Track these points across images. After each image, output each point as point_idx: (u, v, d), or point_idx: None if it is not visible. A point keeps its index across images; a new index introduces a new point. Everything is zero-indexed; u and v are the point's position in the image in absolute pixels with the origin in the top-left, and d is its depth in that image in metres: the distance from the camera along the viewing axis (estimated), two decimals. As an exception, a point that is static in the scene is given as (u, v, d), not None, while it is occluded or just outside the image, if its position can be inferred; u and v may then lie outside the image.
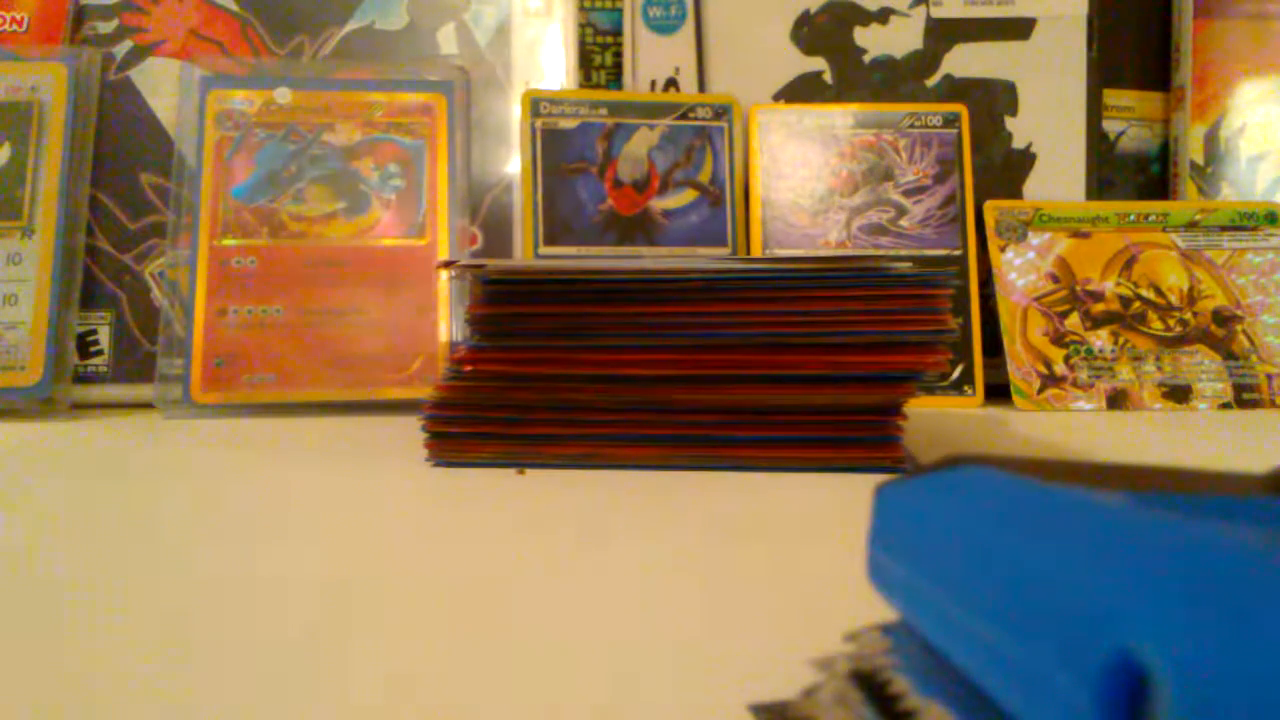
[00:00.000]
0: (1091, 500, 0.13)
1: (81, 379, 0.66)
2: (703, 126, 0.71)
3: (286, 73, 0.69)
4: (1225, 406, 0.67)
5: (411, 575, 0.27)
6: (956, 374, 0.69)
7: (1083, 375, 0.68)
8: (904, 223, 0.71)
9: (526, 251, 0.68)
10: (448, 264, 0.46)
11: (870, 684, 0.16)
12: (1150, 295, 0.70)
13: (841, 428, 0.42)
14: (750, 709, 0.17)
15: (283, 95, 0.67)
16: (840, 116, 0.72)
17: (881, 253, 0.70)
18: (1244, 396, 0.68)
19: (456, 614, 0.23)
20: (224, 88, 0.67)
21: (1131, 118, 0.80)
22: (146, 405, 0.65)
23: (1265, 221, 0.72)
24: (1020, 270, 0.70)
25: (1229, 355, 0.69)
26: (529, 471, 0.42)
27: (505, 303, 0.42)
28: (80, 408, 0.65)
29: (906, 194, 0.71)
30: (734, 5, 0.75)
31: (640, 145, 0.70)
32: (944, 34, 0.76)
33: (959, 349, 0.69)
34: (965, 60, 0.75)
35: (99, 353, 0.66)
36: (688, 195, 0.71)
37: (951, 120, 0.73)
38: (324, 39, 0.71)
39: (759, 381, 0.41)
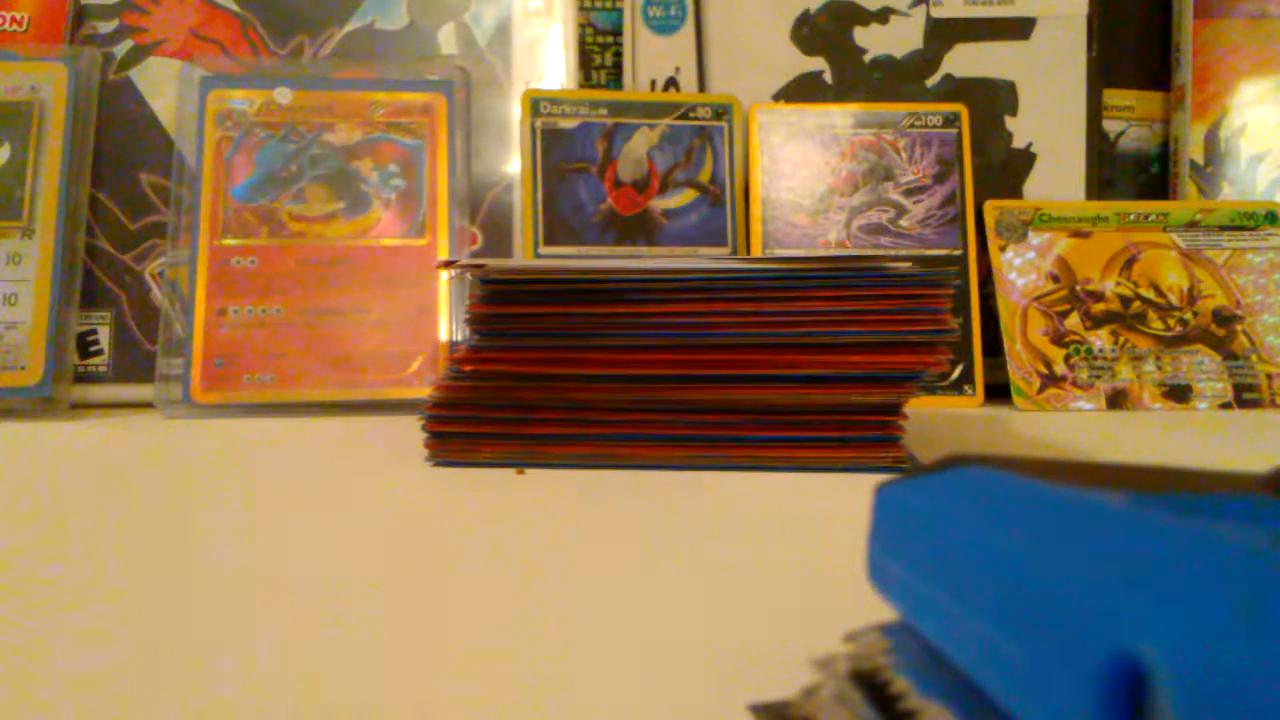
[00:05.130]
0: (1091, 500, 0.13)
1: (81, 379, 0.66)
2: (703, 126, 0.71)
3: (286, 73, 0.69)
4: (1225, 406, 0.67)
5: (412, 575, 0.27)
6: (956, 374, 0.69)
7: (1083, 375, 0.68)
8: (904, 223, 0.71)
9: (526, 251, 0.68)
10: (448, 264, 0.46)
11: (870, 684, 0.16)
12: (1150, 295, 0.70)
13: (841, 428, 0.42)
14: (750, 709, 0.17)
15: (283, 95, 0.67)
16: (840, 116, 0.72)
17: (881, 253, 0.70)
18: (1244, 396, 0.68)
19: (457, 613, 0.23)
20: (224, 88, 0.67)
21: (1131, 118, 0.80)
22: (146, 405, 0.65)
23: (1265, 221, 0.72)
24: (1020, 270, 0.70)
25: (1229, 355, 0.69)
26: (529, 471, 0.42)
27: (505, 303, 0.42)
28: (80, 408, 0.65)
29: (906, 194, 0.71)
30: (734, 5, 0.75)
31: (640, 145, 0.70)
32: (944, 34, 0.76)
33: (959, 349, 0.69)
34: (965, 60, 0.75)
35: (99, 353, 0.66)
36: (688, 195, 0.71)
37: (951, 120, 0.73)
38: (324, 39, 0.71)
39: (759, 381, 0.41)
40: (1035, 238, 0.71)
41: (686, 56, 0.74)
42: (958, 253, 0.71)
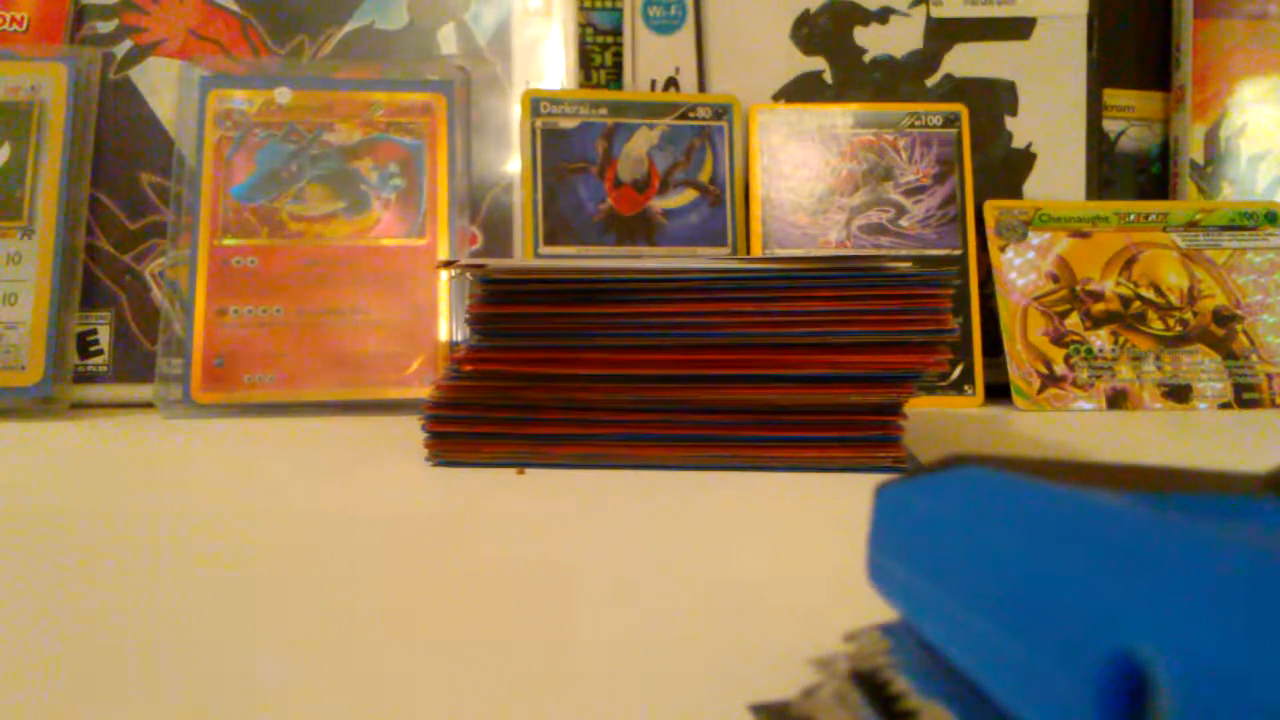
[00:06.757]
0: (1091, 500, 0.13)
1: (81, 379, 0.66)
2: (703, 126, 0.71)
3: (286, 73, 0.69)
4: (1225, 406, 0.67)
5: (412, 575, 0.27)
6: (956, 374, 0.69)
7: (1083, 375, 0.68)
8: (904, 223, 0.71)
9: (526, 251, 0.68)
10: (448, 264, 0.46)
11: (870, 684, 0.16)
12: (1150, 295, 0.70)
13: (841, 428, 0.42)
14: (750, 709, 0.17)
15: (283, 95, 0.67)
16: (840, 116, 0.72)
17: (881, 253, 0.70)
18: (1244, 396, 0.68)
19: (457, 613, 0.23)
20: (224, 88, 0.67)
21: (1131, 118, 0.80)
22: (146, 405, 0.65)
23: (1265, 221, 0.72)
24: (1020, 270, 0.70)
25: (1229, 355, 0.69)
26: (528, 471, 0.42)
27: (505, 303, 0.42)
28: (80, 408, 0.65)
29: (906, 194, 0.71)
30: (734, 5, 0.75)
31: (640, 145, 0.70)
32: (944, 34, 0.75)
33: (959, 349, 0.69)
34: (965, 60, 0.75)
35: (99, 353, 0.66)
36: (688, 195, 0.71)
37: (951, 120, 0.73)
38: (324, 39, 0.71)
39: (759, 381, 0.41)
40: (1035, 238, 0.71)
41: (686, 56, 0.74)
42: (958, 253, 0.71)
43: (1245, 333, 0.69)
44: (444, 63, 0.71)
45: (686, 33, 0.74)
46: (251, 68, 0.69)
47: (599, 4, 0.78)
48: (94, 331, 0.67)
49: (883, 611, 0.23)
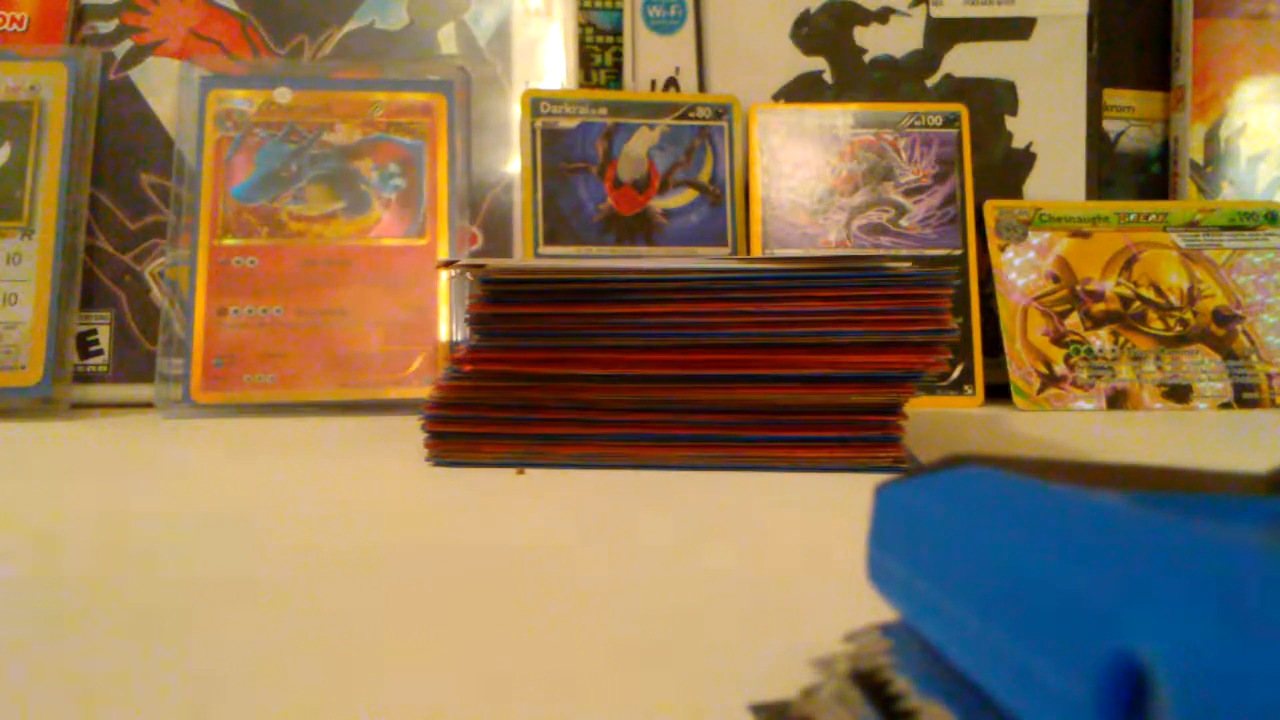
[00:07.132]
0: (1091, 500, 0.13)
1: (81, 379, 0.66)
2: (703, 126, 0.71)
3: (286, 73, 0.69)
4: (1225, 406, 0.67)
5: (411, 575, 0.27)
6: (956, 374, 0.69)
7: (1083, 375, 0.68)
8: (904, 223, 0.71)
9: (526, 251, 0.68)
10: (448, 264, 0.46)
11: (870, 684, 0.16)
12: (1150, 295, 0.70)
13: (841, 428, 0.42)
14: (750, 709, 0.17)
15: (283, 95, 0.67)
16: (840, 116, 0.72)
17: (881, 253, 0.70)
18: (1244, 396, 0.68)
19: (457, 613, 0.23)
20: (224, 88, 0.67)
21: (1131, 118, 0.80)
22: (146, 405, 0.65)
23: (1265, 221, 0.72)
24: (1020, 270, 0.70)
25: (1229, 355, 0.69)
26: (528, 471, 0.42)
27: (505, 302, 0.42)
28: (80, 408, 0.65)
29: (906, 194, 0.71)
30: (734, 5, 0.75)
31: (640, 145, 0.70)
32: (944, 34, 0.75)
33: (959, 349, 0.69)
34: (965, 60, 0.75)
35: (99, 353, 0.66)
36: (688, 195, 0.71)
37: (951, 120, 0.73)
38: (324, 39, 0.71)
39: (759, 381, 0.41)
40: (1035, 238, 0.71)
41: (686, 56, 0.74)
42: (958, 253, 0.71)
43: (1245, 333, 0.69)
44: (444, 63, 0.71)
45: (686, 33, 0.74)
46: (251, 68, 0.69)
47: (599, 4, 0.78)
48: (94, 331, 0.67)
49: (883, 611, 0.23)
